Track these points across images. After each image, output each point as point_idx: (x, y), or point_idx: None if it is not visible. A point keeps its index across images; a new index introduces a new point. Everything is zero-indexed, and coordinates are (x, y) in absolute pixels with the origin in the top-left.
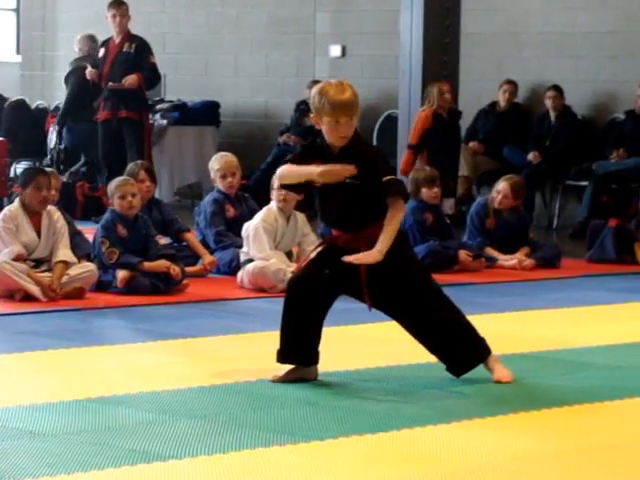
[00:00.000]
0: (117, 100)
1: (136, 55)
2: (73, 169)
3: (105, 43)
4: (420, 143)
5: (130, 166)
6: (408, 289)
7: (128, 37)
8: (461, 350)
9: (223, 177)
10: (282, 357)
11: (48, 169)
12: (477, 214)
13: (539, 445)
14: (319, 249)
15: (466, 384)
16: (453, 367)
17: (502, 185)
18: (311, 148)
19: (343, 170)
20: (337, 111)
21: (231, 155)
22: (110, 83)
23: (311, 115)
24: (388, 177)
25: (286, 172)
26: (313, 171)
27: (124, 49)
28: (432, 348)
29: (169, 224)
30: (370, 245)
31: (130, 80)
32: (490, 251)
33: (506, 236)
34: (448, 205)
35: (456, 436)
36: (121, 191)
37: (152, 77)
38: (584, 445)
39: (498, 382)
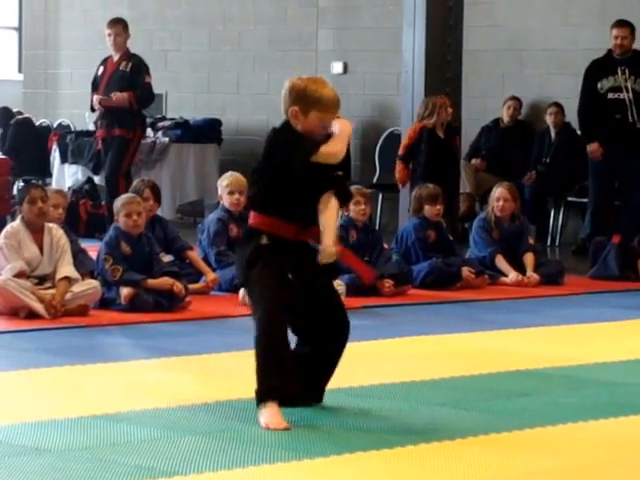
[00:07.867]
0: (111, 118)
1: (131, 74)
2: (76, 187)
3: (104, 61)
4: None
5: (136, 183)
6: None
7: (126, 56)
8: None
9: (230, 193)
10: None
11: (54, 187)
12: (481, 227)
13: (544, 462)
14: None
15: (470, 401)
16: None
17: (499, 191)
18: None
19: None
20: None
21: (241, 175)
22: (100, 97)
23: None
24: None
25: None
26: None
27: (120, 67)
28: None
29: (172, 242)
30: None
31: (119, 96)
32: (500, 261)
33: (511, 246)
34: None
35: (461, 452)
36: (127, 209)
37: (145, 96)
38: (589, 462)
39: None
